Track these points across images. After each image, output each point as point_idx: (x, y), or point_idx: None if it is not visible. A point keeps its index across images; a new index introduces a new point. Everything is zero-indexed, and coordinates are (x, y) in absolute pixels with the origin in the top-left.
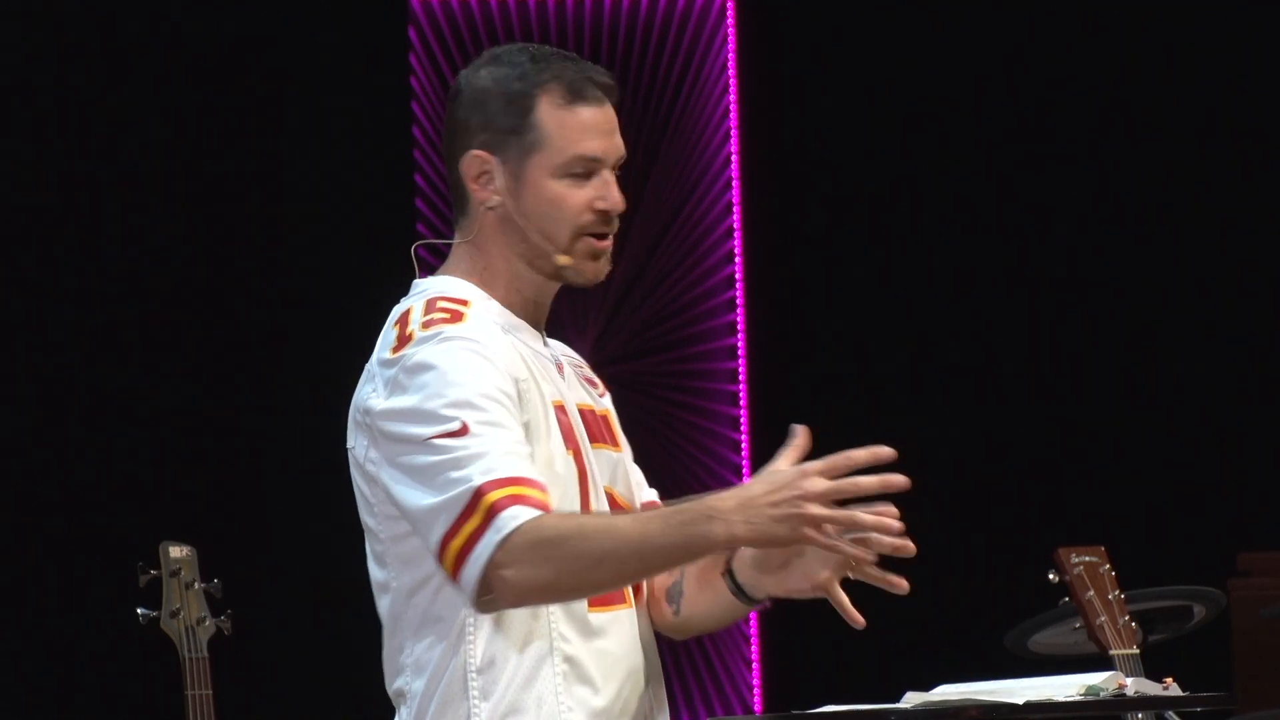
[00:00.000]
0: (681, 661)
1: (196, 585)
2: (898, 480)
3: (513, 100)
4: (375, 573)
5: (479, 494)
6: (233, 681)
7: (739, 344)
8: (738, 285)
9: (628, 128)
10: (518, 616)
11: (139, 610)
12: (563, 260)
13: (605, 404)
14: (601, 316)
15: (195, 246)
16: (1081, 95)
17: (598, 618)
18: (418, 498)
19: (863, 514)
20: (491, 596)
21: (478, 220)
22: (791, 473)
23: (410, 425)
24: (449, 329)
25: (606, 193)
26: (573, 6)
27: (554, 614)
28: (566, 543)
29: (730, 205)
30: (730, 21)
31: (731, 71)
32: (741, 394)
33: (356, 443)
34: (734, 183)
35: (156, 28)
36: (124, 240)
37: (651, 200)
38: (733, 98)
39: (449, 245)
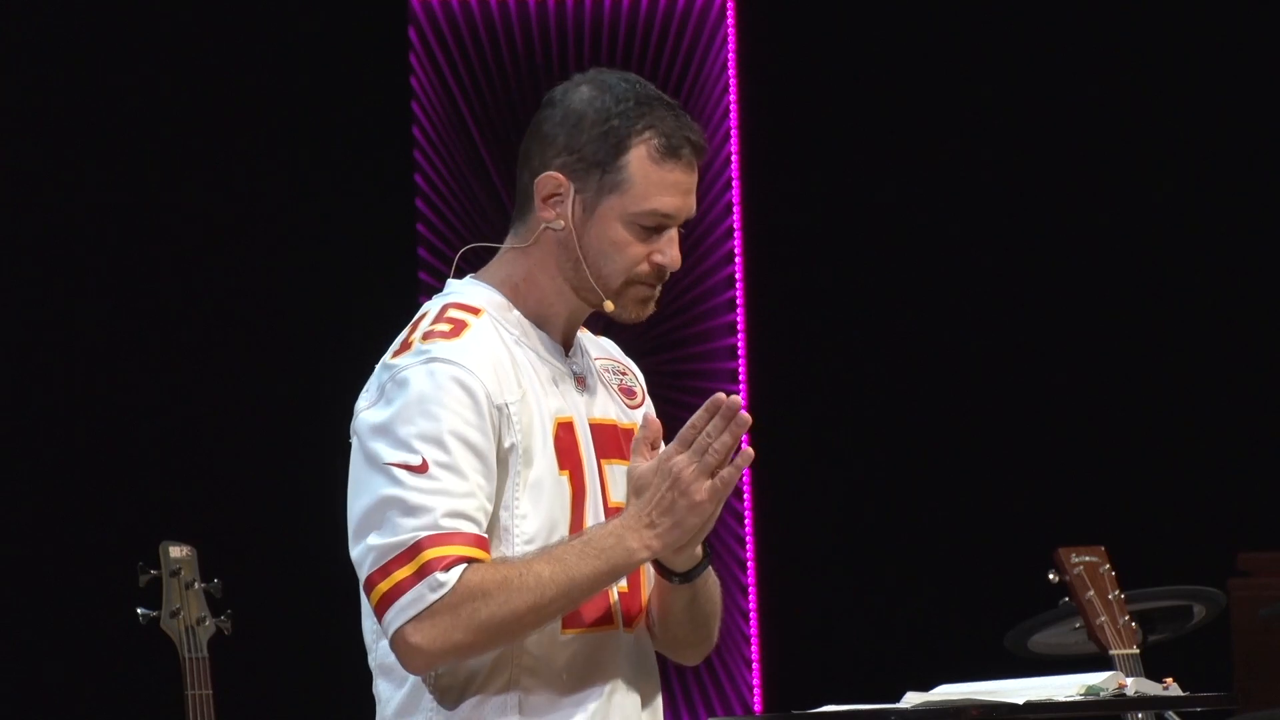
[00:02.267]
0: None
1: (196, 585)
2: (740, 414)
3: (608, 136)
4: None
5: (417, 546)
6: (233, 681)
7: (739, 344)
8: (738, 285)
9: None
10: None
11: (139, 610)
12: (609, 305)
13: (635, 416)
14: (602, 317)
15: (195, 247)
16: (1083, 94)
17: (571, 639)
18: (357, 517)
19: (722, 436)
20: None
21: (535, 233)
22: (652, 470)
23: (377, 442)
24: (442, 347)
25: (668, 250)
26: (573, 6)
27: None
28: (486, 600)
29: (730, 205)
30: (730, 21)
31: (731, 71)
32: (741, 394)
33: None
34: (734, 183)
35: (156, 28)
36: (124, 240)
37: None
38: (733, 98)
39: (496, 248)
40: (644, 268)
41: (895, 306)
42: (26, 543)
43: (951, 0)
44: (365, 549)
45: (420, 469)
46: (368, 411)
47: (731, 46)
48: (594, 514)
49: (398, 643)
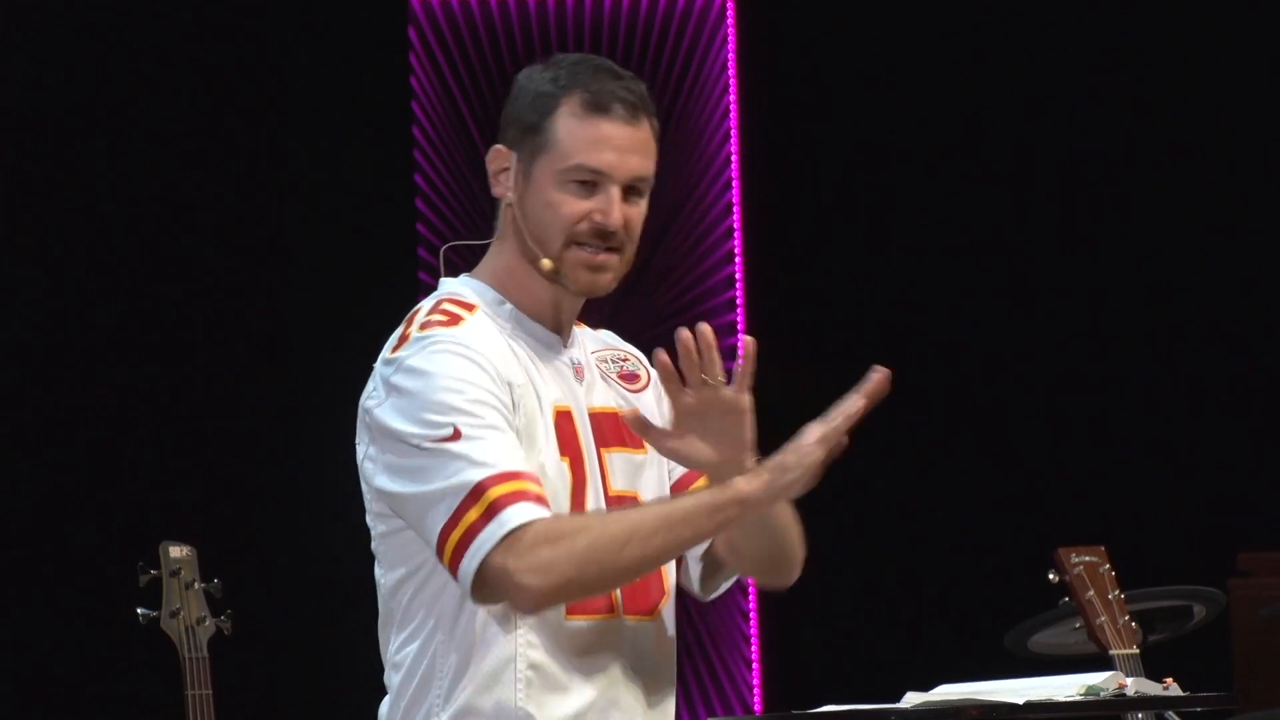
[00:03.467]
0: (682, 661)
1: (196, 585)
2: (880, 388)
3: (538, 99)
4: (375, 569)
5: (480, 488)
6: (233, 681)
7: (739, 344)
8: (738, 285)
9: None
10: (486, 620)
11: (139, 610)
12: (547, 264)
13: (635, 402)
14: (602, 316)
15: (195, 247)
16: (1083, 93)
17: (576, 625)
18: (413, 489)
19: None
20: (489, 590)
21: (501, 216)
22: (800, 452)
23: (402, 430)
24: (442, 332)
25: (605, 208)
26: (573, 6)
27: (525, 619)
28: (584, 532)
29: (730, 205)
30: (730, 21)
31: (731, 71)
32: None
33: (360, 440)
34: (734, 183)
35: (156, 28)
36: (124, 241)
37: (651, 200)
38: (733, 98)
39: (484, 246)
40: (581, 226)
41: (895, 306)
42: (26, 543)
43: (951, 0)
44: (427, 503)
45: (454, 438)
46: (380, 409)
47: (731, 46)
48: (595, 502)
49: (499, 581)
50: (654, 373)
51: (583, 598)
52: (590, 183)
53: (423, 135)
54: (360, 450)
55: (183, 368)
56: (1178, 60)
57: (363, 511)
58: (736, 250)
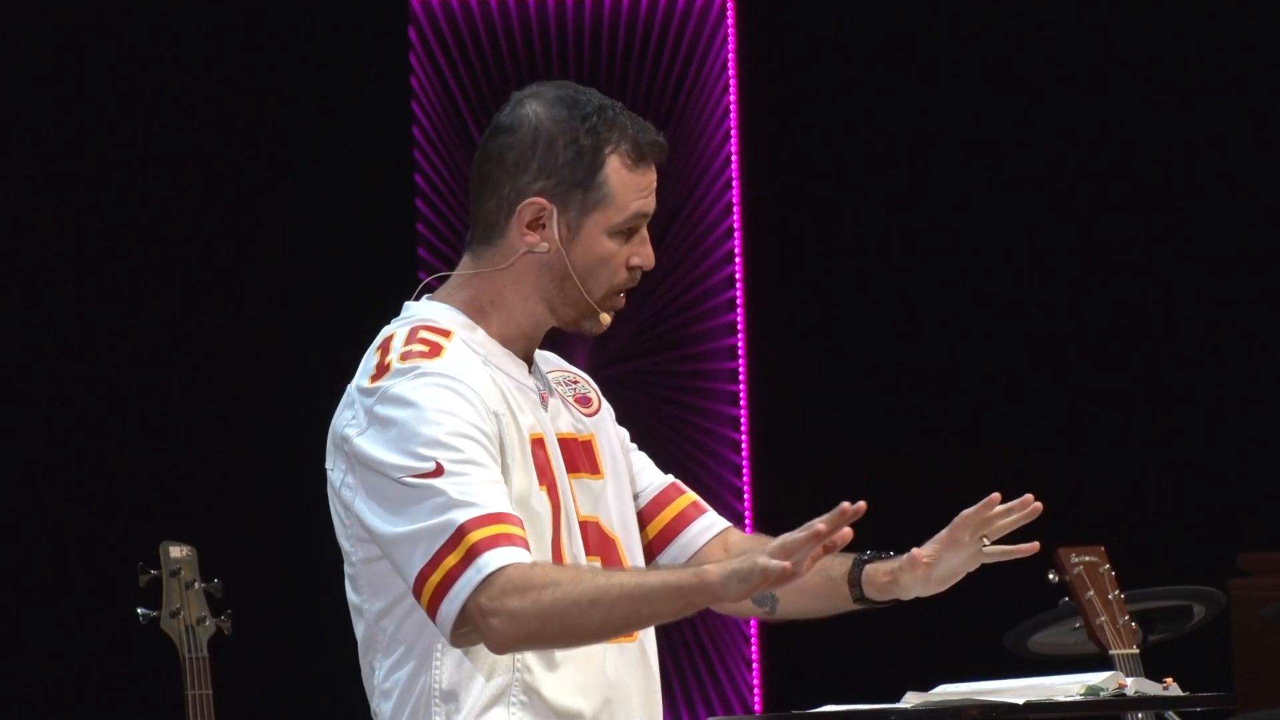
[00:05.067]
0: (681, 661)
1: (196, 585)
2: (845, 533)
3: (583, 154)
4: (350, 595)
5: (460, 531)
6: (233, 681)
7: (739, 344)
8: (738, 285)
9: None
10: (479, 645)
11: (139, 610)
12: (606, 319)
13: (592, 426)
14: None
15: (195, 247)
16: (1084, 92)
17: (566, 652)
18: (394, 527)
19: (818, 526)
20: (466, 630)
21: (510, 258)
22: (759, 564)
23: (385, 462)
24: (426, 364)
25: (643, 251)
26: (573, 6)
27: None
28: (553, 587)
29: (730, 205)
30: (730, 21)
31: (731, 71)
32: (741, 394)
33: (335, 465)
34: (734, 183)
35: (156, 28)
36: (123, 240)
37: None
38: (733, 98)
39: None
40: (622, 274)
41: (895, 306)
42: (27, 543)
43: (951, 0)
44: (408, 544)
45: (436, 473)
46: (361, 438)
47: (731, 46)
48: (568, 528)
49: (464, 622)
50: (602, 397)
51: (548, 649)
52: (632, 230)
53: (423, 135)
54: (336, 475)
55: (183, 368)
56: (1178, 59)
57: None
58: (736, 250)
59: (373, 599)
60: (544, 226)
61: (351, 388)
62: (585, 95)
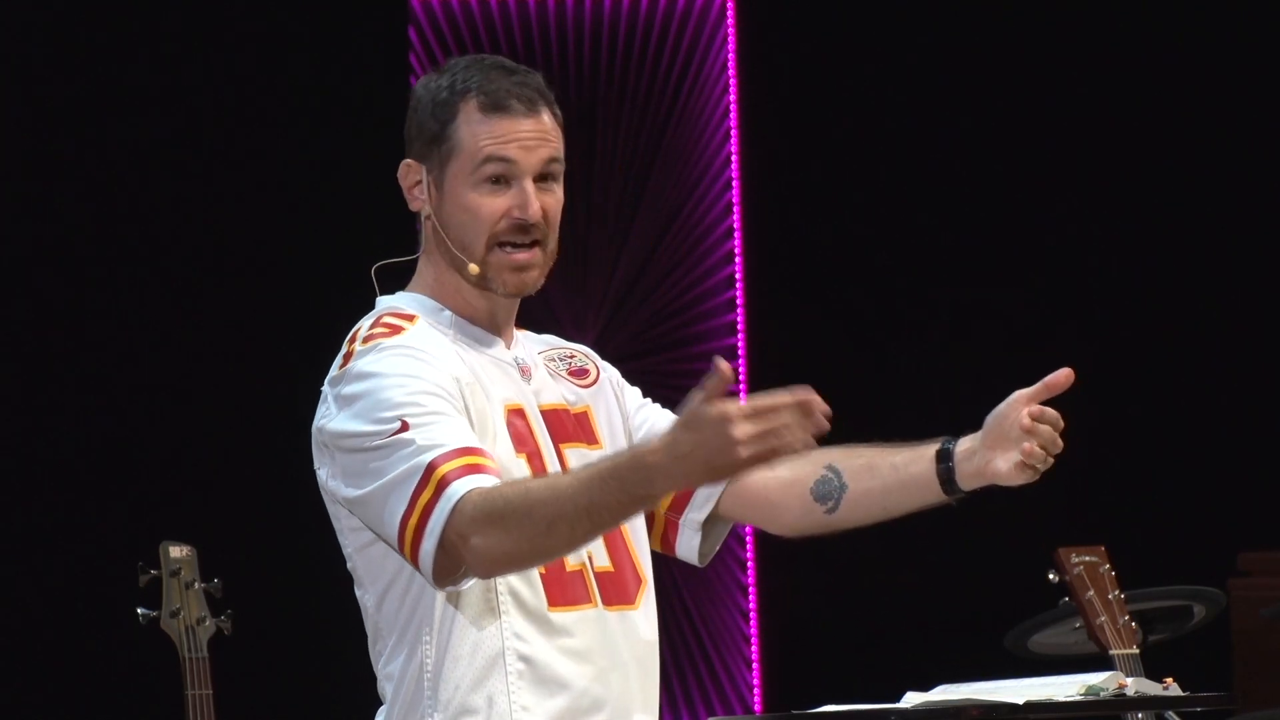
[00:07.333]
0: (681, 661)
1: (196, 585)
2: (815, 400)
3: (437, 109)
4: (357, 593)
5: (431, 467)
6: (233, 681)
7: (739, 344)
8: (738, 285)
9: (629, 127)
10: (471, 618)
11: (139, 610)
12: (474, 269)
13: (588, 398)
14: (601, 316)
15: (195, 246)
16: (1084, 92)
17: (561, 617)
18: (371, 486)
19: (783, 399)
20: (449, 565)
21: (423, 230)
22: (715, 418)
23: (355, 432)
24: (386, 341)
25: (523, 201)
26: (573, 6)
27: (509, 614)
28: (514, 510)
29: (730, 205)
30: (730, 21)
31: (731, 71)
32: (742, 394)
33: (320, 463)
34: (734, 183)
35: (157, 28)
36: (123, 240)
37: (651, 200)
38: (733, 98)
39: (413, 261)
40: (501, 225)
41: (895, 305)
42: (27, 543)
43: (951, 0)
44: (384, 494)
45: (402, 429)
46: (329, 420)
47: (731, 46)
48: None
49: (445, 558)
50: (605, 368)
51: (518, 570)
52: (502, 179)
53: None
54: (322, 472)
55: (182, 368)
56: (1178, 59)
57: None
58: (736, 250)
59: (370, 588)
60: (420, 188)
61: (324, 384)
62: (474, 58)
